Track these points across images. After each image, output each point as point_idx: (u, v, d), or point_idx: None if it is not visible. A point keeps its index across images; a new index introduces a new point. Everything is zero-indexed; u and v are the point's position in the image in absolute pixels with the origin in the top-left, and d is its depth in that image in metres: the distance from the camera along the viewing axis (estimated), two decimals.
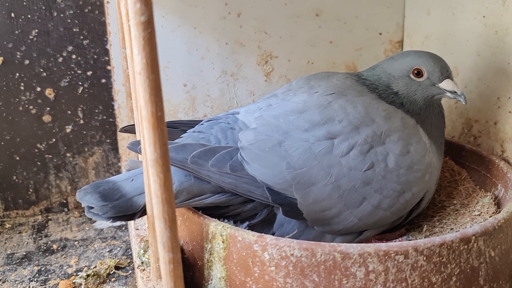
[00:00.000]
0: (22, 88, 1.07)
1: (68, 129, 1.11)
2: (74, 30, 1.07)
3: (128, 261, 0.93)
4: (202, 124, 0.82)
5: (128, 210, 0.70)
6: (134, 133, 0.84)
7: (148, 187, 0.64)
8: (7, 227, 1.08)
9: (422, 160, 0.77)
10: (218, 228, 0.67)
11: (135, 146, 0.74)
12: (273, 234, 0.75)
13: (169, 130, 0.84)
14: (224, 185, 0.72)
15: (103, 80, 1.10)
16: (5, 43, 1.04)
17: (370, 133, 0.75)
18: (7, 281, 0.88)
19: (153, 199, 0.54)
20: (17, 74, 1.06)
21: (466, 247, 0.64)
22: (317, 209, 0.73)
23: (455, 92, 0.81)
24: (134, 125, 0.83)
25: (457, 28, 1.01)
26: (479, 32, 0.96)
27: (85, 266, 0.92)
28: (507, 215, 0.70)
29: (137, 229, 0.85)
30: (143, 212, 0.71)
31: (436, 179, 0.82)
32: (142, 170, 0.72)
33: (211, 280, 0.69)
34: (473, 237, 0.65)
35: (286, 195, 0.72)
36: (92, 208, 0.69)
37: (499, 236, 0.68)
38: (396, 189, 0.75)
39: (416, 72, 0.82)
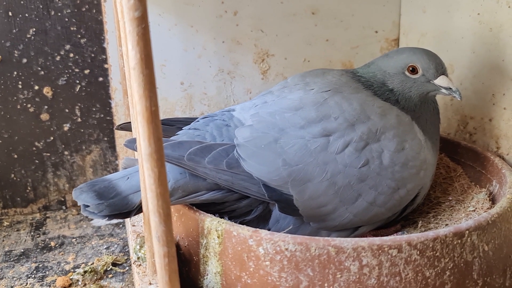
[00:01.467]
0: (20, 86, 1.07)
1: (66, 127, 1.12)
2: (72, 28, 1.07)
3: (125, 257, 0.94)
4: (198, 121, 0.82)
5: (123, 208, 0.70)
6: (131, 130, 0.85)
7: (143, 181, 0.65)
8: (5, 225, 1.09)
9: (417, 156, 0.77)
10: (213, 224, 0.68)
11: (132, 144, 0.74)
12: (268, 230, 0.75)
13: (165, 127, 0.84)
14: (220, 182, 0.72)
15: (101, 79, 1.11)
16: (2, 41, 1.04)
17: (365, 130, 0.75)
18: (5, 277, 0.89)
19: (148, 194, 0.54)
20: (15, 73, 1.06)
21: (459, 241, 0.65)
22: (313, 206, 0.73)
23: (450, 88, 0.82)
24: (130, 123, 0.84)
25: (452, 26, 1.02)
26: (474, 30, 0.96)
27: (83, 263, 0.93)
28: (501, 210, 0.70)
29: (134, 225, 0.85)
30: (139, 210, 0.71)
31: (431, 175, 0.82)
32: (137, 168, 0.73)
33: (207, 275, 0.70)
34: (467, 232, 0.65)
35: (282, 192, 0.73)
36: (88, 206, 0.70)
37: (493, 230, 0.68)
38: (390, 185, 0.75)
39: (411, 69, 0.82)
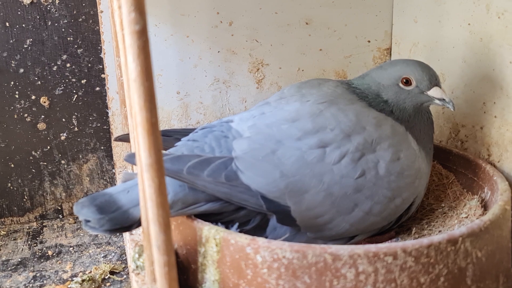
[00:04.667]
0: (17, 96, 1.08)
1: (63, 136, 1.12)
2: (69, 39, 1.08)
3: (123, 266, 0.94)
4: (197, 132, 0.82)
5: (124, 222, 0.70)
6: (129, 141, 0.86)
7: (143, 191, 0.66)
8: (2, 234, 1.09)
9: (411, 166, 0.78)
10: (211, 232, 0.69)
11: (132, 159, 0.73)
12: (266, 238, 0.76)
13: (163, 138, 0.84)
14: (219, 195, 0.72)
15: (97, 88, 1.12)
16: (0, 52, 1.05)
17: (361, 140, 0.76)
18: (3, 287, 0.89)
19: (148, 203, 0.55)
20: (12, 83, 1.07)
21: (453, 248, 0.66)
22: (310, 216, 0.74)
23: (444, 99, 0.83)
24: (128, 134, 0.84)
25: (443, 36, 1.03)
26: (464, 39, 0.98)
27: (80, 272, 0.93)
28: (493, 217, 0.71)
29: (132, 234, 0.86)
30: (139, 223, 0.71)
31: (425, 184, 0.83)
32: (137, 181, 0.73)
33: (205, 283, 0.70)
34: (460, 238, 0.66)
35: (279, 203, 0.73)
36: (89, 221, 0.69)
37: (485, 237, 0.69)
38: (386, 195, 0.76)
39: (404, 80, 0.84)
